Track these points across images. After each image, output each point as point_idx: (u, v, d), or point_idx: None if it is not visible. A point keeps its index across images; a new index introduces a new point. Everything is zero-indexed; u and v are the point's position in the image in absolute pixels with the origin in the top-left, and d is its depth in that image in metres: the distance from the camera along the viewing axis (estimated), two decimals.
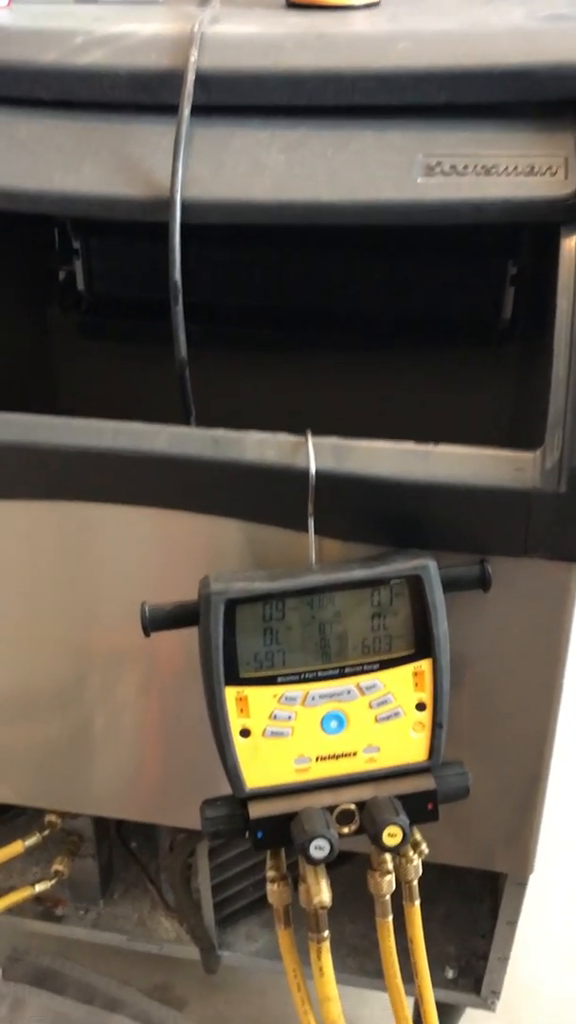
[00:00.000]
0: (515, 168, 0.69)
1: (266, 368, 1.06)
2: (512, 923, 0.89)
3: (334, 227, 0.76)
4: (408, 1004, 0.81)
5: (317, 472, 0.66)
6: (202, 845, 0.95)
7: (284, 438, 0.67)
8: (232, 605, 0.65)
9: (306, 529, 0.68)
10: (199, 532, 0.73)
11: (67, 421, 0.70)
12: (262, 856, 1.02)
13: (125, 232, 1.03)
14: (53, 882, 0.99)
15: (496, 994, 0.95)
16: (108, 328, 1.10)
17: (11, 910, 1.05)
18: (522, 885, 0.87)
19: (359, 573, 0.66)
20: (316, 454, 0.66)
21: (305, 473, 0.66)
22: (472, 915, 1.05)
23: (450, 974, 0.99)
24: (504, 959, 0.92)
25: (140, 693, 0.83)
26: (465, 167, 0.70)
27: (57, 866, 0.99)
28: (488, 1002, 0.95)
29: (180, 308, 0.71)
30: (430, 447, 0.66)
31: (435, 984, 0.82)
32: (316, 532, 0.69)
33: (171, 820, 0.92)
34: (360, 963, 1.01)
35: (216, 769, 0.69)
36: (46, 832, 0.97)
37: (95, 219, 1.02)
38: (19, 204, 0.73)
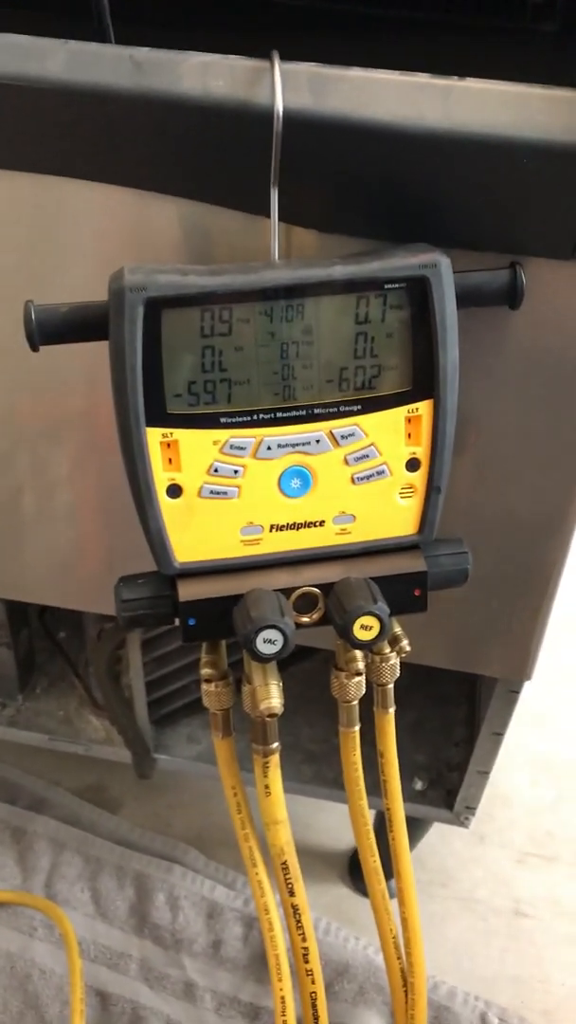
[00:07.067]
0: None
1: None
2: (499, 734, 0.76)
3: None
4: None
5: (286, 112, 0.45)
6: (134, 636, 0.80)
7: (238, 62, 0.46)
8: (155, 308, 0.45)
9: (266, 211, 0.48)
10: (117, 217, 0.52)
11: None
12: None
13: None
14: None
15: (471, 810, 0.83)
16: None
17: None
18: (516, 692, 0.73)
19: (340, 271, 0.46)
20: (286, 85, 0.45)
21: (268, 114, 0.45)
22: (446, 722, 0.93)
23: (419, 786, 0.87)
24: (485, 773, 0.79)
25: (67, 446, 0.64)
26: None
27: None
28: (461, 818, 0.84)
29: None
30: (452, 81, 0.45)
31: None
32: (282, 216, 0.48)
33: (95, 606, 0.76)
34: (317, 770, 0.89)
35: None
36: None
37: None
38: None
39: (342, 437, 0.50)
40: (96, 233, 0.54)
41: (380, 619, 0.49)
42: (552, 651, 0.68)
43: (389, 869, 0.66)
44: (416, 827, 0.92)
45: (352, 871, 1.00)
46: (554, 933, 0.97)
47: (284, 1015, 0.58)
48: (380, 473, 0.51)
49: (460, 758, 0.89)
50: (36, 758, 1.06)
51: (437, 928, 0.96)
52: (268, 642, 0.49)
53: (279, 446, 0.49)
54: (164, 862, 0.97)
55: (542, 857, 1.04)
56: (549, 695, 1.20)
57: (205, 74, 0.46)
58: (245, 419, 0.48)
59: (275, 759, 0.55)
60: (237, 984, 0.89)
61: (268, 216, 0.48)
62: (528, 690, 0.74)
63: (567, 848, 1.05)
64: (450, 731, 0.92)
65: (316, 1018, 0.59)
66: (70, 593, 0.75)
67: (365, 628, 0.50)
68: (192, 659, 0.87)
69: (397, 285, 0.47)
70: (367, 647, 0.53)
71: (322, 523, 0.51)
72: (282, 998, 0.57)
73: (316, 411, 0.49)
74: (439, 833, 1.02)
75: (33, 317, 0.46)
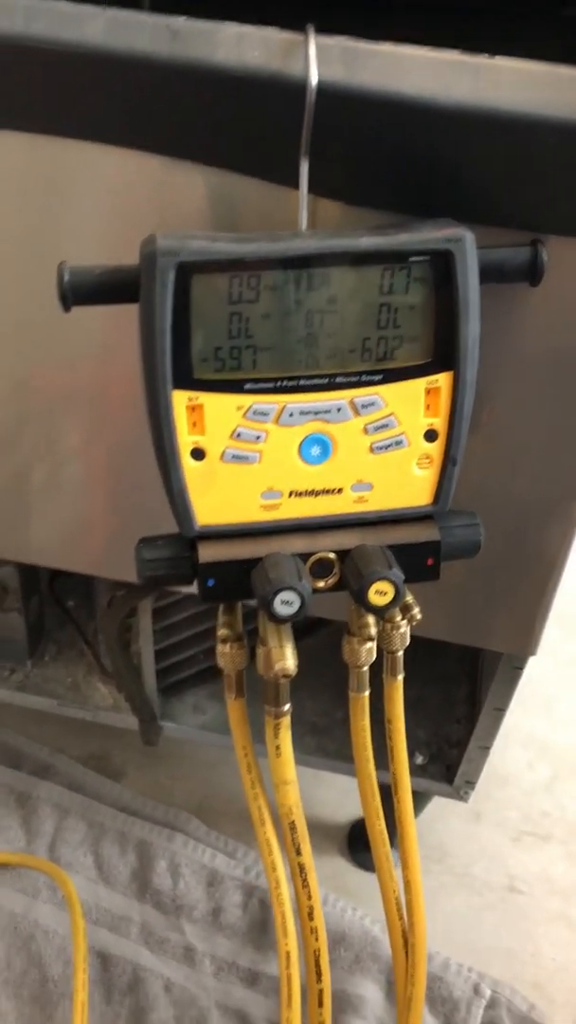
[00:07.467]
0: None
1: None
2: (501, 710, 0.77)
3: None
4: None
5: (320, 85, 0.46)
6: (144, 604, 0.81)
7: (274, 34, 0.47)
8: (186, 272, 0.46)
9: (293, 182, 0.49)
10: (145, 184, 0.53)
11: None
12: (214, 621, 0.89)
13: None
14: None
15: (471, 784, 0.85)
16: None
17: None
18: (519, 669, 0.74)
19: (367, 242, 0.47)
20: (319, 59, 0.46)
21: (301, 85, 0.46)
22: (447, 699, 0.94)
23: (419, 760, 0.89)
24: (486, 748, 0.81)
25: (83, 410, 0.66)
26: None
27: None
28: (461, 792, 0.85)
29: None
30: (482, 59, 0.46)
31: None
32: (311, 188, 0.49)
33: (109, 572, 0.77)
34: (319, 742, 0.90)
35: (170, 513, 0.53)
36: None
37: None
38: None
39: (363, 406, 0.51)
40: (122, 199, 0.55)
41: (395, 585, 0.51)
42: (551, 636, 0.70)
43: (392, 837, 0.67)
44: (416, 801, 0.94)
45: (351, 844, 1.02)
46: (546, 910, 0.99)
47: (288, 969, 0.59)
48: (398, 443, 0.52)
49: (460, 735, 0.90)
50: (41, 726, 1.07)
51: (433, 902, 0.98)
52: (285, 603, 0.50)
53: (301, 413, 0.50)
54: (166, 830, 0.99)
55: (537, 836, 1.05)
56: (548, 680, 1.21)
57: (240, 45, 0.47)
58: (269, 385, 0.49)
59: (286, 721, 0.57)
60: (236, 950, 0.91)
61: (295, 187, 0.49)
62: (527, 675, 0.76)
63: (561, 828, 1.07)
64: (451, 708, 0.94)
65: (319, 974, 0.60)
66: (81, 558, 0.76)
67: (380, 593, 0.51)
68: (200, 630, 0.89)
69: (422, 258, 0.48)
70: (381, 612, 0.54)
71: (340, 491, 0.53)
72: (287, 953, 0.59)
73: (338, 380, 0.50)
74: (437, 810, 1.04)
75: (66, 278, 0.48)
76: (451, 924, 0.97)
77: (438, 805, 1.02)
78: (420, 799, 0.95)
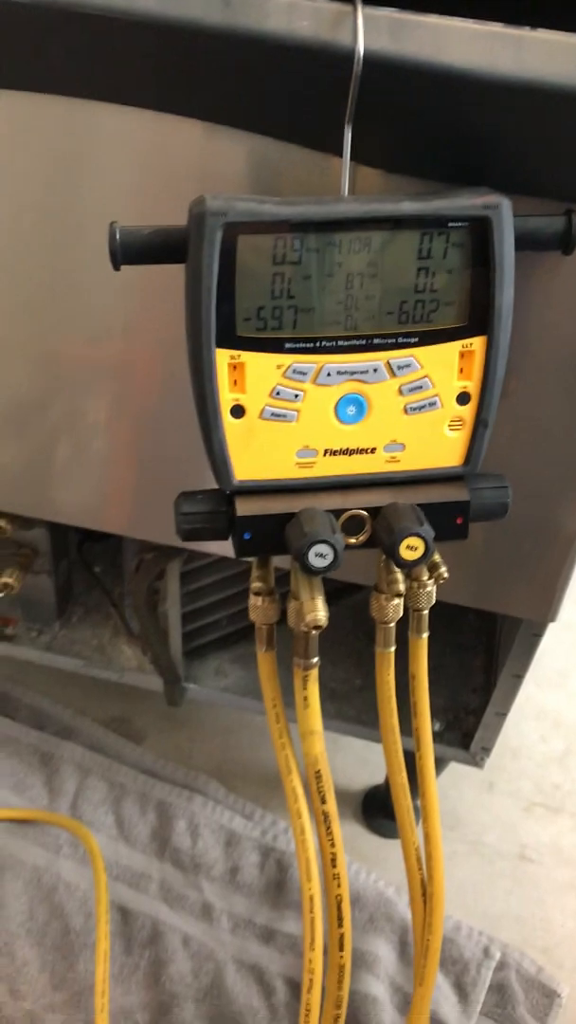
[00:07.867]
0: None
1: None
2: (519, 677, 0.79)
3: None
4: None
5: (366, 54, 0.47)
6: (173, 566, 0.83)
7: (323, 4, 0.48)
8: (233, 232, 0.48)
9: (335, 150, 0.51)
10: (188, 149, 0.55)
11: None
12: (239, 587, 0.91)
13: None
14: (0, 596, 0.88)
15: (487, 751, 0.86)
16: None
17: None
18: (538, 636, 0.76)
19: (408, 207, 0.49)
20: (367, 29, 0.47)
21: (348, 55, 0.47)
22: (464, 669, 0.96)
23: (436, 726, 0.91)
24: (502, 715, 0.83)
25: (114, 372, 0.68)
26: None
27: (6, 579, 0.87)
28: (477, 758, 0.87)
29: None
30: (524, 31, 0.48)
31: None
32: (353, 156, 0.51)
33: (140, 532, 0.79)
34: (339, 708, 0.92)
35: (200, 475, 0.55)
36: None
37: None
38: None
39: (398, 368, 0.52)
40: (164, 165, 0.56)
41: (425, 540, 0.53)
42: (566, 611, 0.72)
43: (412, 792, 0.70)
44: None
45: (365, 809, 1.04)
46: (556, 878, 1.01)
47: (312, 912, 0.61)
48: (432, 404, 0.53)
49: (477, 703, 0.92)
50: (64, 688, 1.10)
51: (445, 868, 1.00)
52: (319, 556, 0.52)
53: (338, 373, 0.52)
54: (185, 791, 1.01)
55: (548, 807, 1.08)
56: (562, 656, 1.23)
57: (290, 14, 0.48)
58: (308, 346, 0.51)
59: (314, 673, 0.59)
60: (253, 908, 0.93)
61: (336, 154, 0.51)
62: (542, 649, 0.77)
63: (572, 800, 1.09)
64: (468, 678, 0.96)
65: (340, 919, 0.63)
66: (113, 518, 0.78)
67: (411, 548, 0.53)
68: (225, 595, 0.91)
69: (460, 224, 0.49)
70: (411, 566, 0.56)
71: (373, 450, 0.54)
72: (311, 897, 0.61)
73: (375, 341, 0.52)
74: (451, 779, 1.06)
75: (118, 237, 0.49)
76: (463, 890, 0.99)
77: (452, 775, 1.05)
78: (436, 766, 0.97)
